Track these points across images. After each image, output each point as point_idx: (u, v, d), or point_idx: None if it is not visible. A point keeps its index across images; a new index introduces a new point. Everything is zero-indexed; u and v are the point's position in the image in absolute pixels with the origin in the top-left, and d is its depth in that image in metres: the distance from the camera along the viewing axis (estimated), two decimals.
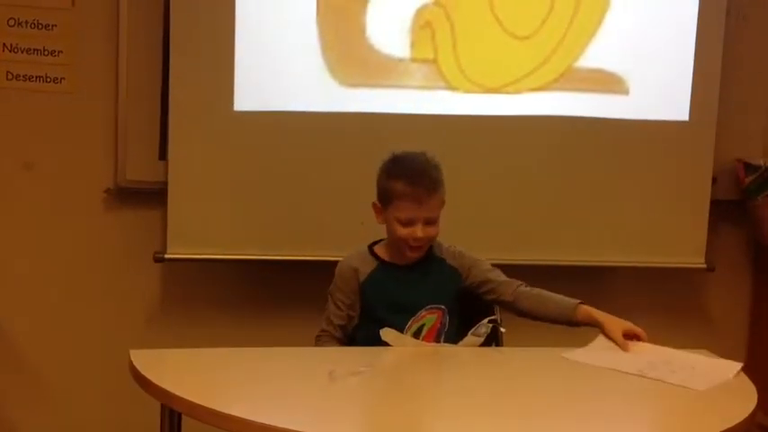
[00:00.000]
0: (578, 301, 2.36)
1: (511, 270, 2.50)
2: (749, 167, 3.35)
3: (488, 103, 3.17)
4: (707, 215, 3.29)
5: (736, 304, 3.57)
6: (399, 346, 2.27)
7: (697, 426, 1.88)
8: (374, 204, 2.40)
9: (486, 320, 2.31)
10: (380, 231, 2.44)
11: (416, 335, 2.35)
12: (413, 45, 3.12)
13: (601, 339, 2.27)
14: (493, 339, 2.39)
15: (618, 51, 3.19)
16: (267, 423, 1.71)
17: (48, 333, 3.24)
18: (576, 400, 1.99)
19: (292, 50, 3.07)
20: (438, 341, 2.37)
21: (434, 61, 3.14)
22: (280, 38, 3.07)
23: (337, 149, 3.12)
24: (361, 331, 2.40)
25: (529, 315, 2.41)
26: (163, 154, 3.12)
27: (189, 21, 3.04)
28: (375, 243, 2.46)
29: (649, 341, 2.26)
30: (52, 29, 3.13)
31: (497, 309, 2.46)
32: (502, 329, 2.39)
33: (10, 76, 3.14)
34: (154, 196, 3.14)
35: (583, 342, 2.28)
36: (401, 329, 2.31)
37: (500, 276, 2.45)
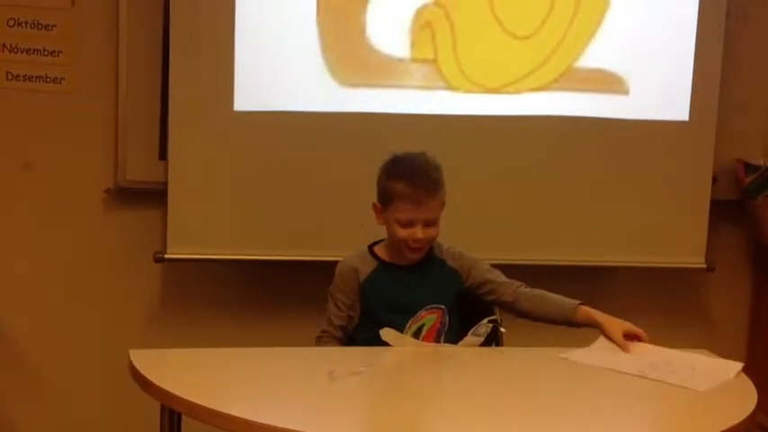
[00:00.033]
0: (578, 301, 2.36)
1: (511, 270, 2.50)
2: (749, 167, 3.35)
3: (488, 103, 3.17)
4: (707, 215, 3.29)
5: (737, 304, 3.57)
6: (399, 346, 2.26)
7: (697, 426, 1.88)
8: (374, 205, 2.39)
9: (485, 320, 2.30)
10: (380, 232, 2.43)
11: (416, 335, 2.35)
12: (413, 45, 3.12)
13: (601, 340, 2.27)
14: (493, 339, 2.39)
15: (618, 51, 3.19)
16: (267, 423, 1.70)
17: (48, 333, 3.24)
18: (576, 401, 1.99)
19: (292, 50, 3.07)
20: (438, 341, 2.37)
21: (434, 61, 3.14)
22: (280, 38, 3.07)
23: (337, 149, 3.12)
24: (362, 332, 2.40)
25: (529, 316, 2.41)
26: (163, 154, 3.12)
27: (189, 21, 3.04)
28: (375, 243, 2.46)
29: (649, 341, 2.25)
30: (52, 29, 3.13)
31: (497, 308, 2.46)
32: (502, 329, 2.39)
33: (10, 77, 3.14)
34: (154, 196, 3.14)
35: (583, 342, 2.28)
36: (401, 330, 2.31)
37: (500, 277, 2.45)
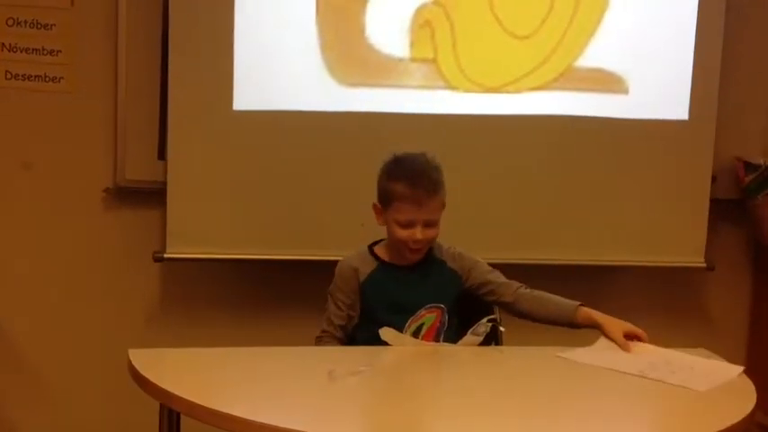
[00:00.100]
0: (578, 302, 2.36)
1: (510, 269, 2.50)
2: (749, 166, 3.35)
3: (488, 103, 3.17)
4: (706, 214, 3.29)
5: (736, 303, 3.56)
6: (399, 346, 2.26)
7: (696, 425, 1.88)
8: (374, 206, 2.39)
9: (485, 319, 2.30)
10: (381, 232, 2.43)
11: (416, 334, 2.35)
12: (412, 44, 3.12)
13: (602, 340, 2.27)
14: (492, 338, 2.39)
15: (617, 51, 3.19)
16: (266, 423, 1.70)
17: (47, 333, 3.24)
18: (576, 400, 1.99)
19: (292, 50, 3.07)
20: (437, 340, 2.37)
21: (434, 61, 3.13)
22: (279, 37, 3.07)
23: (337, 149, 3.12)
24: (361, 331, 2.40)
25: (529, 317, 2.41)
26: (162, 153, 3.12)
27: (188, 20, 3.04)
28: (375, 243, 2.45)
29: (649, 340, 2.26)
30: (51, 28, 3.13)
31: (497, 308, 2.45)
32: (501, 328, 2.39)
33: (9, 76, 3.14)
34: (153, 196, 3.14)
35: (582, 342, 2.28)
36: (401, 330, 2.31)
37: (500, 278, 2.45)
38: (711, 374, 2.08)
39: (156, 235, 3.16)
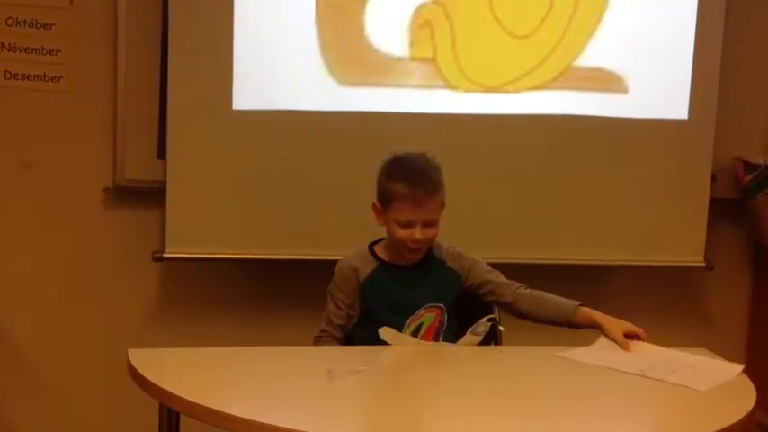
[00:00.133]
0: (578, 302, 2.36)
1: (509, 269, 2.50)
2: (748, 166, 3.35)
3: (487, 102, 3.17)
4: (706, 214, 3.29)
5: (736, 303, 3.56)
6: (398, 345, 2.26)
7: (695, 424, 1.88)
8: (374, 206, 2.39)
9: (484, 319, 2.30)
10: (380, 231, 2.43)
11: (415, 333, 2.35)
12: (412, 44, 3.12)
13: (602, 340, 2.27)
14: (492, 338, 2.39)
15: (617, 50, 3.19)
16: (266, 422, 1.70)
17: (47, 332, 3.24)
18: (576, 399, 1.99)
19: (291, 49, 3.07)
20: (437, 340, 2.37)
21: (433, 60, 3.13)
22: (278, 37, 3.06)
23: (336, 148, 3.12)
24: (360, 331, 2.40)
25: (528, 317, 2.41)
26: (161, 153, 3.12)
27: (187, 19, 3.04)
28: (375, 243, 2.45)
29: (648, 340, 2.26)
30: (51, 28, 3.13)
31: (496, 307, 2.45)
32: (501, 328, 2.39)
33: (8, 76, 3.14)
34: (153, 195, 3.14)
35: (582, 341, 2.28)
36: (400, 329, 2.31)
37: (499, 278, 2.45)
38: (712, 374, 2.08)
39: (156, 234, 3.16)
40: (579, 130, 3.21)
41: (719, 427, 1.79)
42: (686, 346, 2.26)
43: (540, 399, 1.96)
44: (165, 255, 3.11)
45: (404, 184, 2.31)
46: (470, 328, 2.30)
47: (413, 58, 3.12)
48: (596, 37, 3.18)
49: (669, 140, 3.26)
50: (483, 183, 3.17)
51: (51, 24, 3.12)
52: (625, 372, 2.09)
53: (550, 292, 2.42)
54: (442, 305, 2.39)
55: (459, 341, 2.31)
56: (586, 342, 2.27)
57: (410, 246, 2.34)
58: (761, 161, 3.33)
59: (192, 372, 2.02)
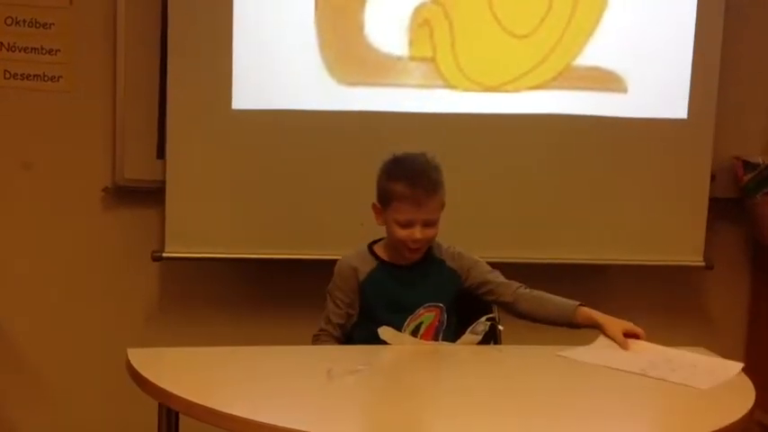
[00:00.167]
0: (578, 303, 2.36)
1: (508, 269, 2.50)
2: (748, 165, 3.35)
3: (487, 102, 3.17)
4: (705, 213, 3.29)
5: (735, 302, 3.56)
6: (397, 345, 2.26)
7: (694, 424, 1.88)
8: (374, 205, 2.39)
9: (484, 318, 2.30)
10: (380, 231, 2.43)
11: (414, 333, 2.35)
12: (411, 43, 3.12)
13: (601, 339, 2.27)
14: (491, 337, 2.39)
15: (616, 50, 3.19)
16: (265, 422, 1.70)
17: (46, 332, 3.24)
18: (576, 399, 1.99)
19: (290, 49, 3.07)
20: (436, 339, 2.37)
21: (433, 60, 3.13)
22: (278, 36, 3.06)
23: (335, 148, 3.12)
24: (360, 330, 2.40)
25: (528, 317, 2.41)
26: (161, 152, 3.12)
27: (187, 19, 3.04)
28: (375, 242, 2.45)
29: (648, 339, 2.25)
30: (50, 27, 3.12)
31: (495, 306, 2.45)
32: (500, 327, 2.39)
33: (8, 75, 3.14)
34: (152, 195, 3.14)
35: (581, 340, 2.28)
36: (400, 329, 2.31)
37: (499, 278, 2.45)
38: (712, 373, 2.08)
39: (155, 234, 3.16)
40: (578, 130, 3.21)
41: (719, 427, 1.79)
42: (685, 346, 2.26)
43: (540, 398, 1.96)
44: (164, 254, 3.11)
45: (404, 184, 2.31)
46: (470, 328, 2.30)
47: (412, 58, 3.12)
48: (595, 37, 3.18)
49: (668, 140, 3.26)
50: (482, 182, 3.17)
51: (51, 24, 3.12)
52: (625, 371, 2.09)
53: (550, 292, 2.42)
54: (441, 304, 2.39)
55: (459, 340, 2.31)
56: (586, 341, 2.27)
57: (410, 245, 2.34)
58: (760, 160, 3.33)
59: (192, 371, 2.02)
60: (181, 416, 1.95)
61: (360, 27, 3.08)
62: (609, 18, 3.18)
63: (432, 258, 2.43)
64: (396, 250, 2.39)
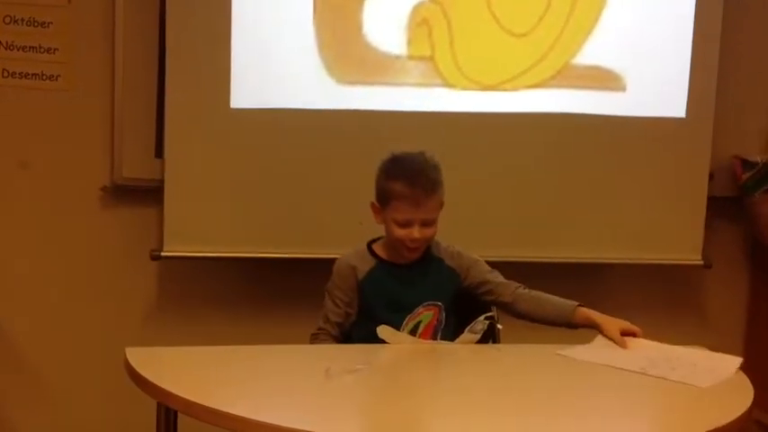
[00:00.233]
0: (576, 303, 2.36)
1: (507, 267, 2.50)
2: (746, 164, 3.35)
3: (485, 101, 3.17)
4: (704, 212, 3.29)
5: (734, 301, 3.56)
6: (396, 344, 2.26)
7: (692, 422, 1.88)
8: (372, 204, 2.39)
9: (482, 317, 2.30)
10: (379, 230, 2.43)
11: (413, 332, 2.35)
12: (410, 42, 3.12)
13: (599, 339, 2.28)
14: (490, 336, 2.39)
15: (615, 48, 3.19)
16: (263, 421, 1.70)
17: (45, 331, 3.24)
18: (574, 398, 1.99)
19: (289, 48, 3.07)
20: (435, 338, 2.37)
21: (431, 58, 3.13)
22: (276, 35, 3.06)
23: (334, 147, 3.12)
24: (359, 329, 2.39)
25: (527, 317, 2.41)
26: (159, 151, 3.12)
27: (185, 18, 3.04)
28: (374, 241, 2.45)
29: (646, 338, 2.25)
30: (48, 26, 3.12)
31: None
32: (499, 326, 2.39)
33: (6, 74, 3.14)
34: (150, 194, 3.14)
35: (581, 339, 2.28)
36: (398, 328, 2.31)
37: (498, 278, 2.45)
38: (713, 370, 2.08)
39: (154, 233, 3.16)
40: (577, 129, 3.21)
41: (717, 425, 1.79)
42: (684, 344, 2.26)
43: (539, 397, 1.96)
44: (162, 253, 3.10)
45: (403, 183, 2.31)
46: (468, 327, 2.30)
47: (411, 57, 3.12)
48: (594, 35, 3.18)
49: (667, 138, 3.26)
50: (481, 181, 3.17)
51: (49, 23, 3.12)
52: (625, 369, 2.09)
53: (548, 291, 2.42)
54: (440, 303, 2.39)
55: (458, 339, 2.31)
56: (585, 340, 2.27)
57: (408, 245, 2.34)
58: (759, 159, 3.33)
59: (190, 370, 2.02)
60: (179, 415, 1.95)
61: (358, 26, 3.08)
62: (608, 17, 3.17)
63: (431, 257, 2.43)
64: (395, 249, 2.39)
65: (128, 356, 2.00)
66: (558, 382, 2.08)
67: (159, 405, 1.96)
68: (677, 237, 3.31)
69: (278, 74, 3.08)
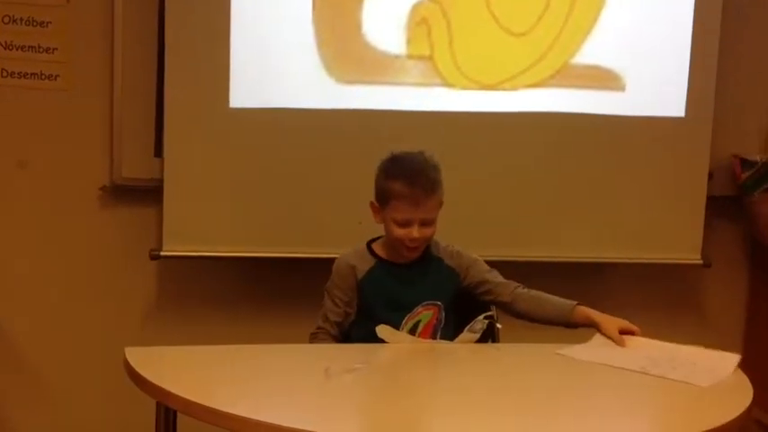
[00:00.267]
0: (575, 302, 2.36)
1: (507, 267, 2.50)
2: (745, 163, 3.35)
3: (485, 100, 3.17)
4: (703, 211, 3.29)
5: (733, 300, 3.57)
6: (395, 343, 2.26)
7: (691, 421, 1.87)
8: (372, 204, 2.39)
9: (482, 316, 2.30)
10: (378, 229, 2.43)
11: (412, 331, 2.35)
12: (409, 42, 3.11)
13: (597, 337, 2.28)
14: (489, 335, 2.39)
15: (614, 48, 3.19)
16: (262, 420, 1.70)
17: (45, 331, 3.24)
18: (574, 397, 1.99)
19: (288, 47, 3.07)
20: (434, 337, 2.37)
21: (431, 58, 3.13)
22: (275, 34, 3.06)
23: (333, 146, 3.12)
24: (358, 329, 2.39)
25: (526, 317, 2.41)
26: (158, 151, 3.12)
27: (184, 17, 3.04)
28: (373, 240, 2.45)
29: (645, 337, 2.25)
30: (47, 26, 3.12)
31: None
32: (498, 325, 2.39)
33: (5, 74, 3.13)
34: (149, 193, 3.14)
35: (580, 338, 2.28)
36: (398, 327, 2.31)
37: (498, 277, 2.45)
38: (713, 370, 2.08)
39: (153, 233, 3.16)
40: (576, 128, 3.21)
41: (716, 425, 1.79)
42: (683, 344, 2.26)
43: (539, 396, 1.96)
44: (162, 253, 3.10)
45: (402, 183, 2.31)
46: (468, 326, 2.30)
47: (410, 56, 3.12)
48: (593, 35, 3.18)
49: (666, 138, 3.26)
50: (480, 180, 3.17)
51: (48, 22, 3.12)
52: (625, 369, 2.09)
53: (547, 290, 2.42)
54: (439, 303, 2.39)
55: (457, 339, 2.31)
56: (585, 340, 2.27)
57: (407, 244, 2.34)
58: (758, 158, 3.33)
59: (189, 370, 2.02)
60: (179, 414, 1.95)
61: (358, 25, 3.08)
62: (607, 16, 3.18)
63: (430, 257, 2.43)
64: (394, 249, 2.39)
65: (127, 356, 2.00)
66: (558, 382, 2.08)
67: (159, 405, 1.96)
68: (677, 236, 3.31)
69: (277, 73, 3.08)
